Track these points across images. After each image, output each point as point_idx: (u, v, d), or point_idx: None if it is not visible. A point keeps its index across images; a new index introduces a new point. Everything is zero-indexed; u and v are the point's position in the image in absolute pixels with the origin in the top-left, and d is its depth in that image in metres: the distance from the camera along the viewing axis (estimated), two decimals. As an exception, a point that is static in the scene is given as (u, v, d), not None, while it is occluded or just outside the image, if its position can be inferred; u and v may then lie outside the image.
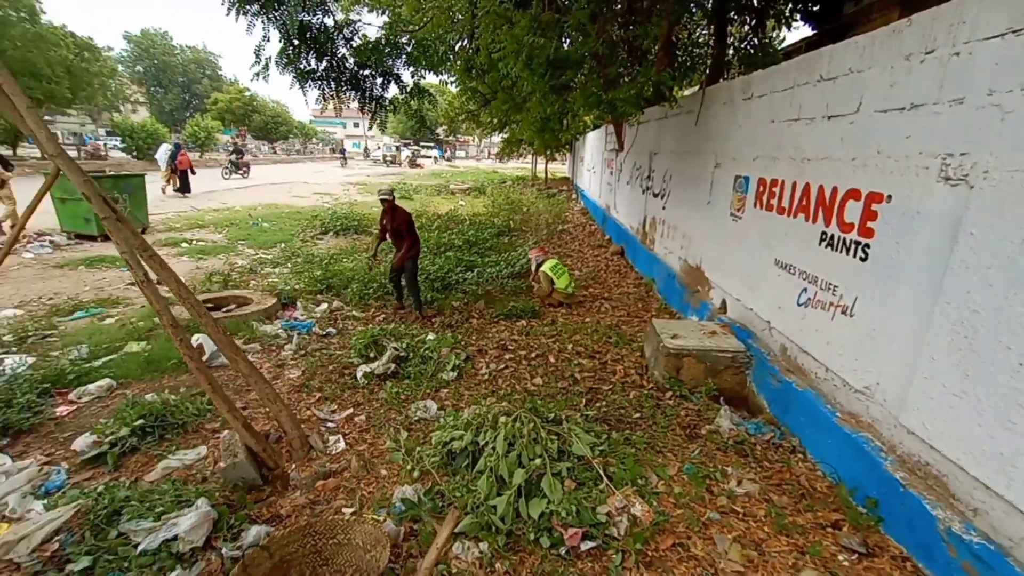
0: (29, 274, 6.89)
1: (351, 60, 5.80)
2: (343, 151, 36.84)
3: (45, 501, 2.48)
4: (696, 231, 5.36)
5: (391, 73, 6.06)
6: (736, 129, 4.32)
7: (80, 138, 31.36)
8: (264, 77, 5.55)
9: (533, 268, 6.28)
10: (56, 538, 2.24)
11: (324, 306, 5.66)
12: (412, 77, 6.69)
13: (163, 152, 15.37)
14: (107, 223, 2.11)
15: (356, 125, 65.01)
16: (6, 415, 3.09)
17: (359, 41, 5.61)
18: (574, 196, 17.90)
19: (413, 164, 37.03)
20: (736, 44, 6.20)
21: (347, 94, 6.61)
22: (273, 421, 3.31)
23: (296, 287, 6.08)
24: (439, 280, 6.35)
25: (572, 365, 4.30)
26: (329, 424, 3.40)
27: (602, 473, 2.68)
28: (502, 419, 2.80)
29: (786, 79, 3.56)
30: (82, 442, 2.97)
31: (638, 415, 3.45)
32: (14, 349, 4.31)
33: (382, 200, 5.28)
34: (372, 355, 4.29)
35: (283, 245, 8.92)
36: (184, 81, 48.98)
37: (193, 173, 15.97)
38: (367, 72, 6.33)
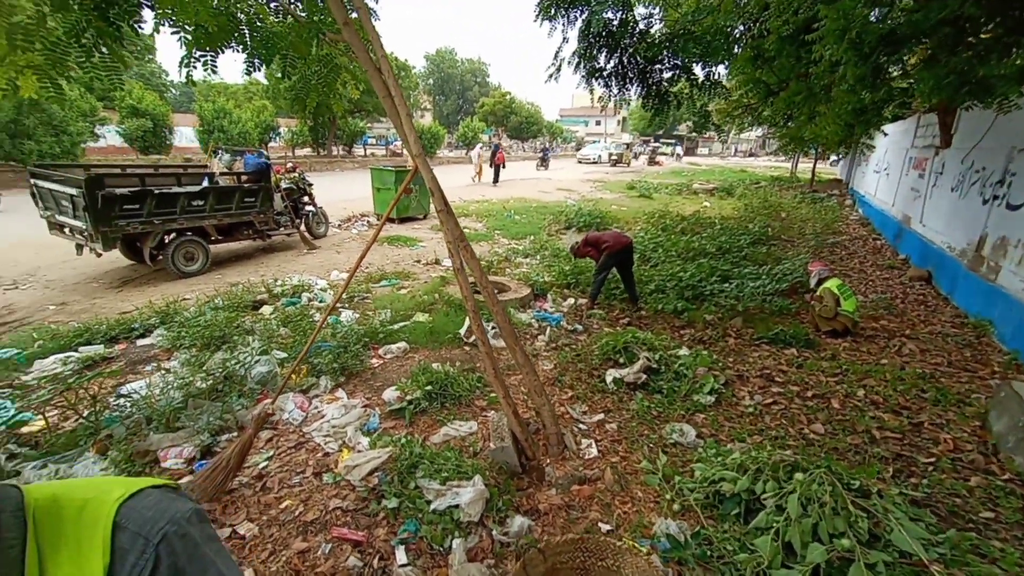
0: (355, 246, 8.94)
1: (640, 56, 5.71)
2: (545, 151, 30.43)
3: (368, 439, 3.06)
4: (1098, 264, 3.69)
5: (682, 66, 5.73)
6: None
7: (386, 140, 39.77)
8: (556, 78, 5.91)
9: (812, 284, 5.30)
10: (376, 473, 2.71)
11: (571, 301, 5.80)
12: (702, 70, 6.22)
13: (476, 151, 20.72)
14: (441, 215, 2.41)
15: (598, 123, 66.80)
16: (344, 359, 3.95)
17: (652, 36, 5.48)
18: (848, 202, 14.85)
19: (652, 161, 36.14)
20: None
21: (630, 90, 6.56)
22: (531, 412, 3.47)
23: (546, 279, 6.39)
24: (690, 288, 5.88)
25: (866, 418, 3.43)
26: (581, 425, 3.40)
27: (942, 586, 1.99)
28: (797, 476, 2.32)
29: None
30: (389, 394, 3.59)
31: (991, 514, 2.50)
32: (347, 306, 5.57)
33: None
34: (621, 360, 4.18)
35: (532, 237, 9.59)
36: (460, 88, 57.57)
37: (503, 167, 20.44)
38: (655, 67, 6.16)
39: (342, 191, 14.75)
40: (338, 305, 5.56)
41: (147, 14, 3.21)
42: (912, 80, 4.25)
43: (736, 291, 5.74)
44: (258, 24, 2.98)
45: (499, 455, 2.83)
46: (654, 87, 6.33)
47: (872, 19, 3.86)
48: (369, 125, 33.31)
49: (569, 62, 5.80)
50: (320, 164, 23.99)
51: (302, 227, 8.87)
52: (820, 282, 5.16)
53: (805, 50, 5.11)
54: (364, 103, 25.64)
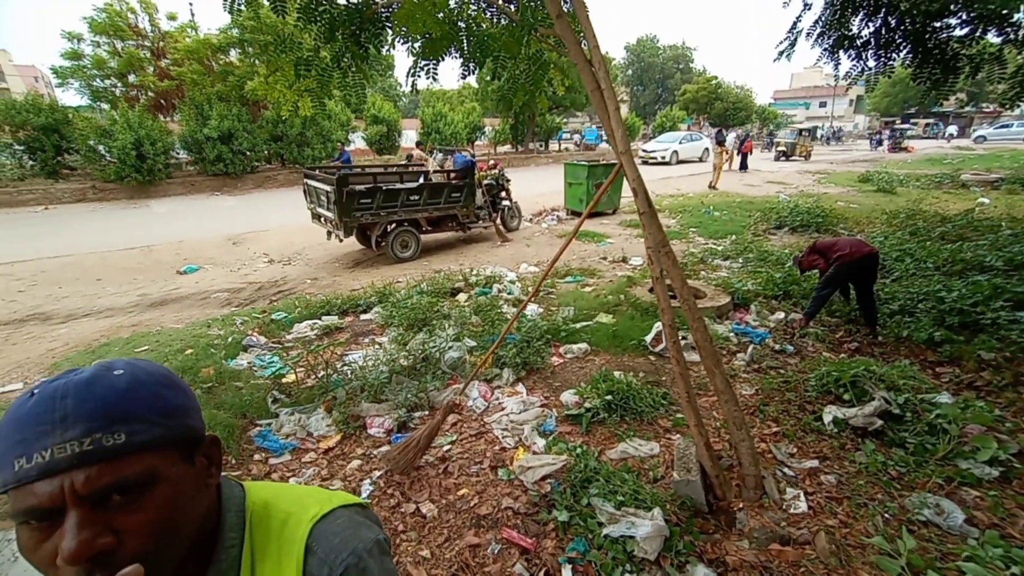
0: (543, 240, 9.19)
1: (917, 11, 4.42)
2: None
3: (544, 440, 3.03)
4: None
5: (993, 15, 4.18)
6: None
7: (581, 135, 40.24)
8: (788, 55, 5.04)
9: None
10: (548, 479, 2.65)
11: (780, 316, 4.97)
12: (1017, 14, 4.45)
13: (731, 138, 21.34)
14: (643, 218, 2.21)
15: (822, 105, 57.16)
16: (526, 354, 4.01)
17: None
18: None
19: (897, 147, 29.39)
20: None
21: (895, 59, 5.16)
22: (724, 443, 3.03)
23: (749, 287, 5.60)
24: (956, 314, 4.49)
25: None
26: (787, 470, 2.84)
27: None
28: None
29: None
30: (567, 396, 3.52)
31: None
32: (533, 300, 5.71)
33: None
34: (846, 396, 3.39)
35: (733, 237, 8.57)
36: (660, 77, 55.03)
37: (750, 154, 20.79)
38: (940, 24, 4.69)
39: (536, 186, 15.35)
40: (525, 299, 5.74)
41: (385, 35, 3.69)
42: None
43: (1039, 324, 4.17)
44: (475, 29, 3.16)
45: (683, 489, 2.51)
46: (935, 51, 4.75)
47: None
48: (565, 121, 34.08)
49: (809, 33, 4.77)
50: (518, 160, 25.45)
51: (498, 220, 9.44)
52: None
53: None
54: (562, 99, 26.32)
